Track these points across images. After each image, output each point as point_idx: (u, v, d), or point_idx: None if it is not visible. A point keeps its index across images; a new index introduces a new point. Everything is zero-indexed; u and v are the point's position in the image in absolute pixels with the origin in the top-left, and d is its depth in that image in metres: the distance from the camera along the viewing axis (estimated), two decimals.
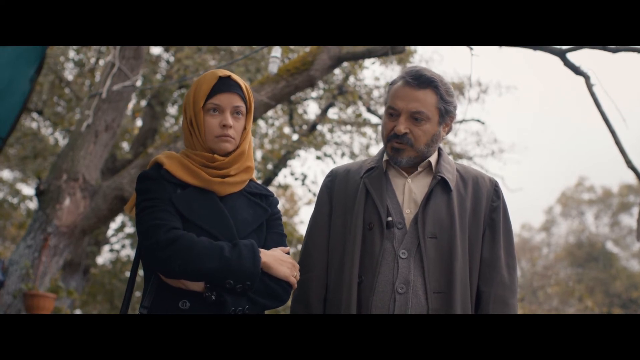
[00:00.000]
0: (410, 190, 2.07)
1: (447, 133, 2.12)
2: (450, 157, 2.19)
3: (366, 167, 2.14)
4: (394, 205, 2.05)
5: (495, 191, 2.12)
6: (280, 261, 1.86)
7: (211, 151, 1.91)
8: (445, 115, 2.07)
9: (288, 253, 1.93)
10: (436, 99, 2.03)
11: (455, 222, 2.00)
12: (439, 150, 2.15)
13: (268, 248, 1.89)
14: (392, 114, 2.06)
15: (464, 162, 10.80)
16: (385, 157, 2.14)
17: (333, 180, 2.19)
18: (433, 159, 2.11)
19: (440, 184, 2.05)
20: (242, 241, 1.81)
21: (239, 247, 1.78)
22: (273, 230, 1.97)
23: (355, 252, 2.00)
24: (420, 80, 2.02)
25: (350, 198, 2.10)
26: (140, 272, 2.12)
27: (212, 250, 1.75)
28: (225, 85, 1.90)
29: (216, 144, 1.90)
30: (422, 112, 2.02)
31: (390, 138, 2.05)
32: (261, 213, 1.95)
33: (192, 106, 1.91)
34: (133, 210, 1.93)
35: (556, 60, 4.58)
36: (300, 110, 9.67)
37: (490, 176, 2.18)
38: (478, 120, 10.08)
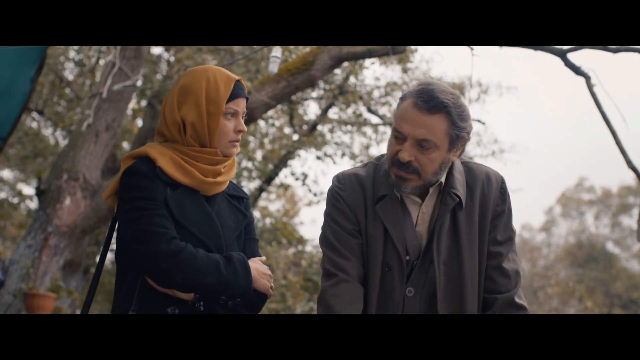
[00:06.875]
0: (423, 220, 1.95)
1: (459, 156, 1.96)
2: (458, 161, 2.02)
3: (379, 192, 1.95)
4: (412, 241, 1.93)
5: (500, 194, 1.99)
6: (262, 274, 1.88)
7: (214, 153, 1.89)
8: (457, 140, 1.87)
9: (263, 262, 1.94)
10: (447, 125, 1.83)
11: (463, 246, 1.91)
12: None
13: (246, 255, 1.88)
14: (398, 137, 1.87)
15: None
16: None
17: (347, 193, 1.99)
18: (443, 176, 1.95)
19: (451, 206, 1.92)
20: (235, 255, 1.81)
21: (234, 263, 1.79)
22: (248, 236, 1.98)
23: (373, 294, 1.90)
24: (431, 104, 1.82)
25: (368, 225, 1.95)
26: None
27: (210, 266, 1.75)
28: (241, 90, 1.91)
29: (227, 149, 1.90)
30: (429, 141, 1.82)
31: (394, 163, 1.88)
32: (241, 219, 1.96)
33: (204, 106, 1.85)
34: (110, 199, 1.90)
35: (557, 60, 4.60)
36: (300, 111, 9.67)
37: (497, 173, 2.03)
38: (478, 121, 10.07)
